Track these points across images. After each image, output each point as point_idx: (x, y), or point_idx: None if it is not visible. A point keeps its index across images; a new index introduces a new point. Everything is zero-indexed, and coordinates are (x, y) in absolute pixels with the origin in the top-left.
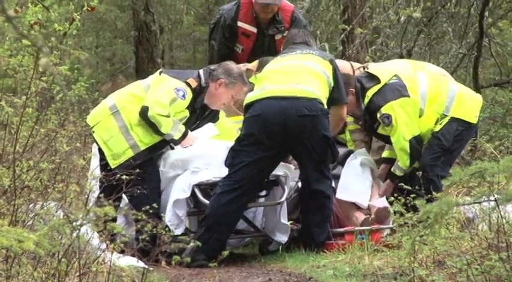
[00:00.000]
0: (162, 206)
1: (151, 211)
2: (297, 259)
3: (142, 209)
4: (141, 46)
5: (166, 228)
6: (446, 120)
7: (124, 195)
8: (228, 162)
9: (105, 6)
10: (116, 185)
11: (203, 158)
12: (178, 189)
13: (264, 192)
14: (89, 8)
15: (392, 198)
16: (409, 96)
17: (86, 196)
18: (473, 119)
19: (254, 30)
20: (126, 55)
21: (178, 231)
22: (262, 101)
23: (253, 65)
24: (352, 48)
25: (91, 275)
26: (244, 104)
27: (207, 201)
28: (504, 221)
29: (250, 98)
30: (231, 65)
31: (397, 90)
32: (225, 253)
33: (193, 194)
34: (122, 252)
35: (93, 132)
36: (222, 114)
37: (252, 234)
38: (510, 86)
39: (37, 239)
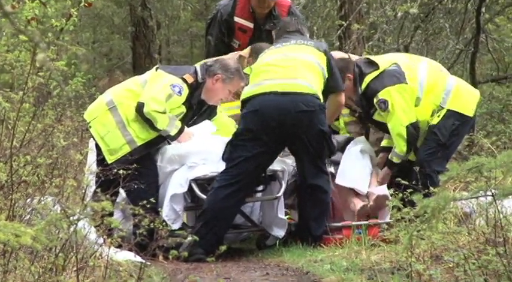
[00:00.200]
0: (159, 201)
1: (148, 206)
2: (294, 253)
3: (140, 203)
4: (138, 41)
5: (164, 223)
6: (443, 112)
7: (121, 190)
8: (226, 157)
9: (102, 1)
10: (113, 179)
11: (200, 153)
12: (175, 184)
13: (261, 187)
14: (86, 4)
15: (390, 193)
16: (406, 83)
17: (83, 191)
18: (470, 112)
19: (251, 25)
20: (123, 50)
21: (176, 226)
22: (259, 96)
23: (245, 51)
24: (349, 44)
25: (88, 269)
26: (241, 99)
27: (204, 196)
28: (501, 215)
29: (247, 93)
30: (228, 60)
31: (395, 76)
32: (223, 248)
33: (190, 188)
34: (119, 246)
35: (90, 127)
36: (219, 109)
37: (249, 228)
38: (507, 82)
39: (34, 233)
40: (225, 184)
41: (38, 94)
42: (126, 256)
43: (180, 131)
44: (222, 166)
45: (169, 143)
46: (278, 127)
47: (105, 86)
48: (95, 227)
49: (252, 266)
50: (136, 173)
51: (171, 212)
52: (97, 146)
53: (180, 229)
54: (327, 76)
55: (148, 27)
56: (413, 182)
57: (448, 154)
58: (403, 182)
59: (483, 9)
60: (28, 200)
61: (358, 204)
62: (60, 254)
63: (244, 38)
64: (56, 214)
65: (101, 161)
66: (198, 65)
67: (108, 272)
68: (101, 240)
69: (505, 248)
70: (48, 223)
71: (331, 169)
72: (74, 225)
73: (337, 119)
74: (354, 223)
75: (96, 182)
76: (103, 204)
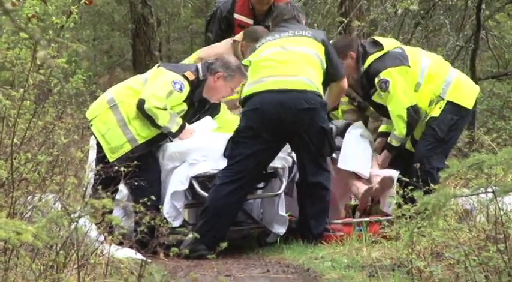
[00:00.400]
0: (160, 198)
1: (149, 203)
2: (295, 251)
3: (140, 201)
4: (139, 39)
5: (164, 220)
6: (442, 104)
7: (121, 187)
8: (227, 154)
9: None
10: (113, 177)
11: (201, 150)
12: (176, 181)
13: (261, 184)
14: (86, 1)
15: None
16: (409, 66)
17: (84, 188)
18: (469, 105)
19: (250, 22)
20: (123, 48)
21: (176, 223)
22: (260, 94)
23: (239, 36)
24: None
25: (89, 267)
26: (242, 97)
27: (205, 193)
28: (502, 212)
29: (248, 90)
30: (229, 57)
31: (398, 58)
32: (223, 245)
33: (191, 186)
34: (120, 244)
35: (91, 125)
36: (223, 106)
37: (250, 225)
38: (507, 79)
39: (35, 231)
40: (227, 181)
41: (39, 91)
42: (127, 253)
43: (182, 128)
44: (222, 163)
45: (170, 140)
46: (279, 125)
47: (106, 83)
48: (96, 224)
49: (253, 263)
50: (139, 171)
51: (172, 209)
52: (98, 143)
53: (180, 226)
54: (325, 66)
55: (149, 25)
56: (414, 179)
57: (447, 149)
58: (404, 179)
59: (483, 6)
60: (29, 198)
61: (361, 187)
62: (61, 252)
63: None
64: (56, 212)
65: (101, 158)
66: (199, 63)
67: (109, 269)
68: (101, 238)
69: (506, 245)
70: (49, 221)
71: (333, 154)
72: (75, 223)
73: (336, 109)
74: (354, 220)
75: (96, 180)
76: (104, 202)
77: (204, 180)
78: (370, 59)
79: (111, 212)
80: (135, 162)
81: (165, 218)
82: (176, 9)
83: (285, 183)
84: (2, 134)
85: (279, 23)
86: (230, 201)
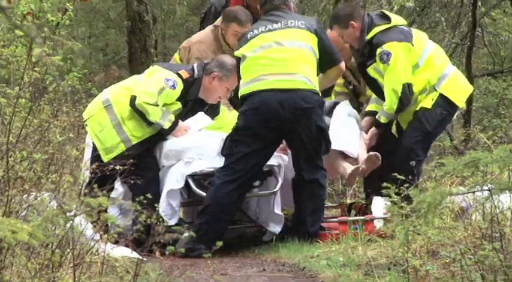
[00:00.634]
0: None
1: (145, 201)
2: (291, 249)
3: (136, 199)
4: (134, 36)
5: (160, 219)
6: (434, 96)
7: (117, 186)
8: (226, 152)
9: None
10: (109, 175)
11: (196, 148)
12: (172, 180)
13: (257, 183)
14: None
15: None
16: (412, 44)
17: (80, 187)
18: (460, 103)
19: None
20: (119, 45)
21: (172, 222)
22: (260, 93)
23: (219, 20)
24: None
25: (85, 265)
26: (240, 95)
27: (200, 192)
28: (498, 210)
29: (246, 89)
30: (225, 58)
31: (403, 34)
32: (219, 244)
33: (186, 184)
34: (116, 242)
35: (86, 125)
36: (223, 108)
37: (246, 224)
38: (503, 76)
39: (31, 229)
40: (228, 180)
41: (34, 89)
42: (122, 252)
43: (174, 125)
44: (218, 161)
45: (165, 138)
46: (278, 124)
47: (101, 81)
48: (92, 223)
49: (249, 262)
50: (137, 169)
51: (168, 208)
52: (93, 142)
53: (176, 225)
54: (318, 56)
55: (144, 22)
56: (410, 177)
57: (431, 142)
58: (400, 177)
59: (479, 3)
60: (24, 196)
61: (348, 168)
62: (56, 250)
63: None
64: (52, 210)
65: (97, 156)
66: (195, 63)
67: (105, 268)
68: (97, 237)
69: (502, 243)
70: (45, 219)
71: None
72: (71, 222)
73: (329, 95)
74: (350, 218)
75: (92, 178)
76: (100, 200)
77: (199, 178)
78: (376, 30)
79: (106, 210)
80: (132, 161)
81: (161, 217)
82: (172, 7)
83: (280, 181)
84: None
85: (269, 9)
86: (231, 200)
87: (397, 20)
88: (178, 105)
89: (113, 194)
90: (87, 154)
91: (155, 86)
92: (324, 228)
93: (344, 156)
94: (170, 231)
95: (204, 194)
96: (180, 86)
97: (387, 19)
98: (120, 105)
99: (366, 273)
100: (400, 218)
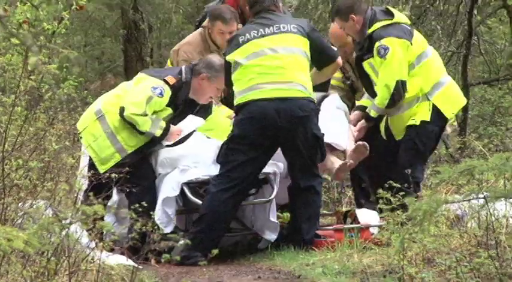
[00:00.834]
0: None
1: (140, 209)
2: (286, 257)
3: (131, 207)
4: (130, 45)
5: (156, 227)
6: (426, 105)
7: (114, 193)
8: (221, 160)
9: (93, 5)
10: (105, 183)
11: (192, 156)
12: (167, 188)
13: (253, 190)
14: (77, 7)
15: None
16: (411, 43)
17: (75, 194)
18: (450, 115)
19: (240, 26)
20: (114, 54)
21: (168, 230)
22: (256, 102)
23: (206, 22)
24: None
25: (80, 273)
26: (236, 103)
27: (196, 200)
28: (493, 218)
29: (242, 97)
30: (213, 58)
31: (403, 32)
32: (215, 251)
33: (182, 192)
34: (111, 250)
35: (81, 137)
36: (216, 109)
37: (241, 232)
38: (499, 84)
39: (26, 237)
40: (223, 188)
41: (30, 97)
42: (118, 260)
43: (166, 131)
44: (214, 169)
45: (161, 145)
46: (274, 132)
47: (97, 89)
48: (87, 230)
49: (244, 269)
50: (133, 177)
51: (163, 216)
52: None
53: (172, 233)
54: (313, 57)
55: (140, 31)
56: (406, 185)
57: (427, 157)
58: (396, 184)
59: (475, 11)
60: (20, 204)
61: (336, 162)
62: (52, 258)
63: None
64: (48, 218)
65: (92, 164)
66: (184, 65)
67: (100, 276)
68: (93, 244)
69: (497, 251)
70: (40, 227)
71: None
72: (66, 229)
73: (326, 90)
74: (346, 226)
75: (89, 186)
76: (95, 208)
77: (195, 186)
78: (377, 25)
79: (102, 218)
80: (127, 169)
81: (156, 225)
82: (167, 15)
83: (276, 189)
84: None
85: (259, 11)
86: (227, 208)
87: (400, 17)
88: (169, 111)
89: (109, 202)
90: (83, 162)
91: (142, 95)
92: (319, 235)
93: (331, 148)
94: (166, 239)
95: (199, 202)
96: (167, 93)
97: (390, 15)
98: (112, 115)
99: (362, 280)
100: (395, 225)
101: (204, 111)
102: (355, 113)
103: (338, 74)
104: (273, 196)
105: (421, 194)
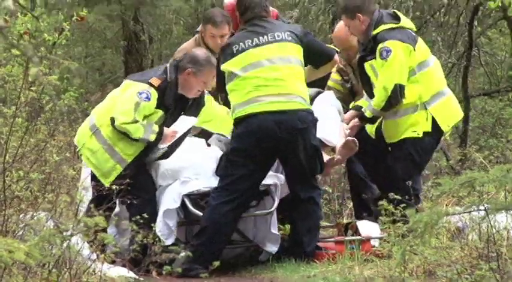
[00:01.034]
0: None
1: (142, 221)
2: (287, 269)
3: (132, 219)
4: (131, 56)
5: (157, 239)
6: (423, 114)
7: (117, 205)
8: (220, 173)
9: (94, 16)
10: (106, 194)
11: (193, 168)
12: (168, 199)
13: (254, 202)
14: (78, 18)
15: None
16: (414, 49)
17: (76, 206)
18: (445, 127)
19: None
20: (115, 65)
21: (169, 242)
22: (257, 116)
23: (201, 27)
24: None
25: None
26: (234, 117)
27: (197, 211)
28: (494, 230)
29: (241, 111)
30: (197, 51)
31: (408, 37)
32: (216, 263)
33: (183, 204)
34: (113, 262)
35: (81, 155)
36: (208, 99)
37: (243, 244)
38: (499, 96)
39: (27, 249)
40: (223, 201)
41: (31, 109)
42: (119, 272)
43: (159, 134)
44: (215, 181)
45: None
46: (274, 144)
47: (98, 101)
48: (88, 242)
49: (245, 281)
50: (133, 189)
51: (165, 228)
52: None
53: (173, 244)
54: (309, 58)
55: (141, 42)
56: (407, 197)
57: (422, 169)
58: (396, 197)
59: (475, 23)
60: (21, 216)
61: (324, 157)
62: (53, 270)
63: None
64: (49, 230)
65: (96, 178)
66: (168, 64)
67: None
68: (94, 256)
69: (498, 263)
70: (42, 239)
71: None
72: (67, 241)
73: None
74: (347, 238)
75: (93, 197)
76: (96, 220)
77: (196, 198)
78: (382, 27)
79: (104, 230)
80: (128, 181)
81: (157, 236)
82: (168, 27)
83: (277, 201)
84: None
85: (251, 18)
86: (227, 220)
87: (406, 22)
88: (159, 113)
89: (113, 214)
90: (84, 174)
91: (129, 103)
92: (320, 247)
93: (321, 144)
94: (167, 251)
95: (200, 213)
96: (154, 96)
97: (397, 19)
98: (106, 127)
99: None
100: (396, 237)
101: (197, 104)
102: (350, 112)
103: (337, 76)
104: (273, 208)
105: (421, 207)
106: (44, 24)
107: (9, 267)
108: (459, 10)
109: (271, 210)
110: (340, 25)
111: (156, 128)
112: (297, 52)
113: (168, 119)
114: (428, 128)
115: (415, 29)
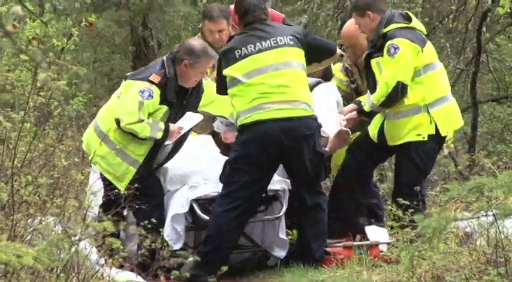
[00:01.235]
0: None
1: (150, 226)
2: (296, 274)
3: (141, 223)
4: (139, 61)
5: (165, 243)
6: (426, 117)
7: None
8: (224, 179)
9: (103, 21)
10: (114, 199)
11: (201, 173)
12: (176, 204)
13: (262, 207)
14: (87, 24)
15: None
16: (422, 50)
17: (85, 211)
18: (444, 132)
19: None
20: (124, 70)
21: (177, 246)
22: (264, 123)
23: (201, 23)
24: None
25: None
26: (239, 124)
27: (205, 216)
28: (502, 236)
29: (248, 117)
30: (193, 42)
31: (417, 38)
32: (224, 268)
33: (191, 209)
34: (121, 267)
35: (94, 164)
36: (206, 84)
37: (251, 249)
38: (508, 102)
39: (36, 254)
40: (228, 208)
41: (39, 114)
42: (127, 277)
43: (166, 131)
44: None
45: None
46: (279, 152)
47: None
48: (96, 247)
49: None
50: (142, 194)
51: (173, 232)
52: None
53: (181, 249)
54: (311, 55)
55: (149, 47)
56: (415, 202)
57: (427, 174)
58: (404, 202)
59: (484, 29)
60: (29, 220)
61: None
62: (61, 275)
63: None
64: (57, 234)
65: (104, 179)
66: (164, 57)
67: None
68: (102, 261)
69: (507, 268)
70: (50, 243)
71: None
72: (76, 246)
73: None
74: (355, 243)
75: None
76: (104, 225)
77: (204, 203)
78: (393, 26)
79: (113, 234)
80: (136, 185)
81: (165, 241)
82: (177, 32)
83: (285, 206)
84: (3, 157)
85: (251, 22)
86: (233, 227)
87: (417, 23)
88: (164, 109)
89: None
90: (92, 178)
91: (133, 102)
92: (328, 252)
93: None
94: (175, 255)
95: (208, 218)
96: (156, 92)
97: (409, 20)
98: (114, 132)
99: None
100: (405, 242)
101: (197, 92)
102: (349, 105)
103: (342, 77)
104: (282, 213)
105: (426, 213)
106: (53, 29)
107: (18, 271)
108: (468, 16)
109: (279, 215)
110: (350, 22)
111: (162, 125)
112: (299, 56)
113: (172, 113)
114: (433, 131)
115: (425, 32)
